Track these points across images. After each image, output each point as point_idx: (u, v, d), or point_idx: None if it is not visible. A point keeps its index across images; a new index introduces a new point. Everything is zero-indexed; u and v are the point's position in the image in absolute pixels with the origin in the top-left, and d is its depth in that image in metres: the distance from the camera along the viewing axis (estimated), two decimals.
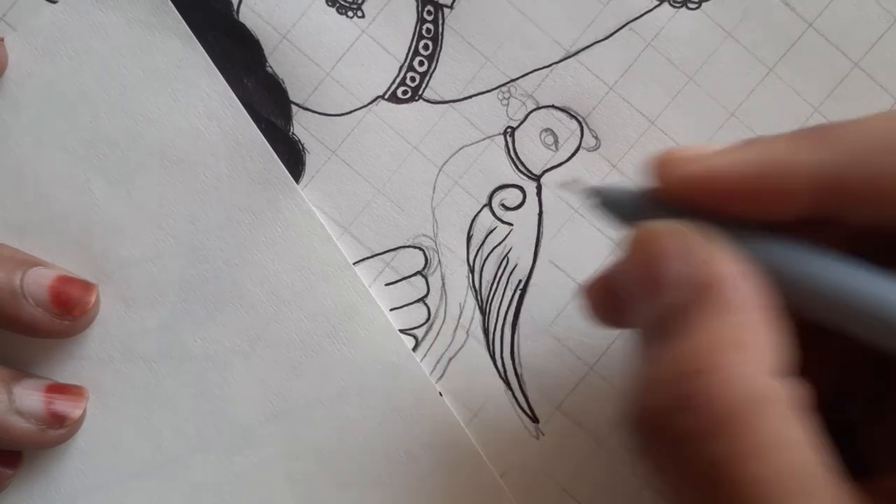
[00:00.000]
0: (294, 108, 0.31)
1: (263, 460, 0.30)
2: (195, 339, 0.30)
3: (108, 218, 0.30)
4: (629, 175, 0.31)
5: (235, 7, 0.30)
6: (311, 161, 0.31)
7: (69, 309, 0.28)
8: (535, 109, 0.31)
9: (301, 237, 0.30)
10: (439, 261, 0.31)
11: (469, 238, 0.31)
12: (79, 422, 0.29)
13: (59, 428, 0.28)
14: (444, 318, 0.31)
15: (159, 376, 0.30)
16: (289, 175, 0.30)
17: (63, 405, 0.28)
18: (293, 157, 0.31)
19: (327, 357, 0.30)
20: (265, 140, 0.30)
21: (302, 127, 0.31)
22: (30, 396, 0.28)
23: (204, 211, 0.30)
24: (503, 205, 0.31)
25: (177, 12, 0.30)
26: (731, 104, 0.31)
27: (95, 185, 0.30)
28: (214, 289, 0.30)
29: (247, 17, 0.30)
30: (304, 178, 0.31)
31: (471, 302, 0.31)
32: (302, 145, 0.31)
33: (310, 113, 0.31)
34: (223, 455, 0.30)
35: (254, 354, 0.30)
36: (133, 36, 0.30)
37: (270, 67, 0.30)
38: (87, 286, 0.29)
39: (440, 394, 0.30)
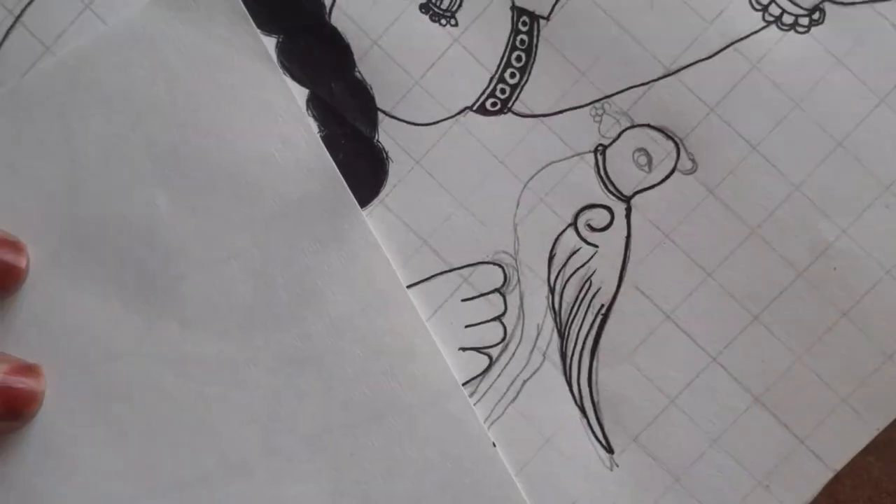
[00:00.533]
0: (380, 115, 0.30)
1: (305, 492, 0.29)
2: (248, 364, 0.29)
3: (170, 235, 0.29)
4: (726, 201, 0.29)
5: (328, 9, 0.30)
6: (394, 170, 0.30)
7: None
8: (629, 128, 0.30)
9: (365, 270, 0.29)
10: (518, 279, 0.30)
11: (551, 257, 0.30)
12: (38, 407, 0.29)
13: (13, 420, 0.28)
14: (521, 338, 0.30)
15: (208, 399, 0.29)
16: (357, 206, 0.30)
17: (17, 400, 0.28)
18: (377, 165, 0.30)
19: (380, 396, 0.29)
20: (336, 168, 0.29)
21: (387, 135, 0.30)
22: None
23: (269, 235, 0.29)
24: (589, 225, 0.30)
25: (257, 31, 0.29)
26: (838, 133, 0.29)
27: (161, 201, 0.29)
28: (273, 315, 0.29)
29: (339, 20, 0.30)
30: (387, 187, 0.30)
31: (549, 324, 0.30)
32: (386, 153, 0.30)
33: (396, 121, 0.30)
34: (263, 481, 0.29)
35: (306, 385, 0.29)
36: (211, 53, 0.29)
37: (359, 73, 0.30)
38: (16, 245, 0.28)
39: (494, 444, 0.29)
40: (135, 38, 0.29)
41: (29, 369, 0.28)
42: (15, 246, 0.28)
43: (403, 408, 0.29)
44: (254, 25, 0.29)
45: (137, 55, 0.29)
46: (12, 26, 0.30)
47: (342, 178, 0.29)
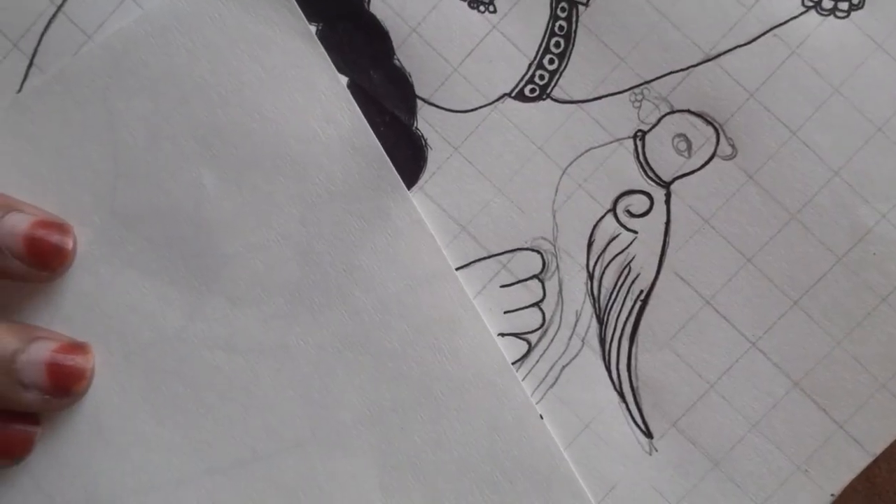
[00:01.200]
0: (419, 102, 0.30)
1: (357, 466, 0.29)
2: (297, 341, 0.29)
3: (217, 214, 0.29)
4: (765, 186, 0.30)
5: None
6: (433, 157, 0.30)
7: (47, 261, 0.28)
8: (668, 113, 0.30)
9: (410, 247, 0.30)
10: (557, 265, 0.30)
11: (590, 244, 0.30)
12: (88, 385, 0.29)
13: (63, 397, 0.28)
14: (560, 324, 0.30)
15: (259, 375, 0.29)
16: (402, 183, 0.30)
17: (67, 377, 0.28)
18: (416, 153, 0.30)
19: (428, 370, 0.29)
20: (380, 146, 0.30)
21: (426, 122, 0.30)
22: (33, 368, 0.27)
23: (315, 214, 0.30)
24: (628, 211, 0.30)
25: (299, 10, 0.30)
26: (878, 119, 0.29)
27: (207, 180, 0.29)
28: (320, 292, 0.30)
29: (378, 8, 0.30)
30: (426, 174, 0.30)
31: (588, 310, 0.30)
32: (425, 140, 0.30)
33: (435, 108, 0.30)
34: (316, 457, 0.29)
35: (355, 360, 0.29)
36: (253, 32, 0.30)
37: (398, 60, 0.30)
38: (63, 227, 0.28)
39: (541, 417, 0.29)
40: (177, 18, 0.29)
41: (78, 347, 0.29)
42: (62, 227, 0.29)
43: (451, 382, 0.29)
44: (296, 4, 0.30)
45: (180, 36, 0.29)
46: (54, 16, 0.30)
47: (386, 155, 0.30)
